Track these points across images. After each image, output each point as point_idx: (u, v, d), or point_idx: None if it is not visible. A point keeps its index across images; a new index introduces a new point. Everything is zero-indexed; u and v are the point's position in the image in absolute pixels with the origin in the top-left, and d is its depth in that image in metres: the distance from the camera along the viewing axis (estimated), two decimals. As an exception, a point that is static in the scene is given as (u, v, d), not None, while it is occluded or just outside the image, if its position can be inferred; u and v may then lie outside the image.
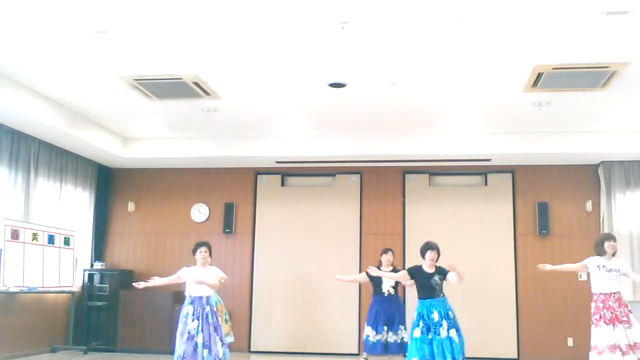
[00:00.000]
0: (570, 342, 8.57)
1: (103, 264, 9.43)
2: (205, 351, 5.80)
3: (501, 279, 8.90)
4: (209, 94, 7.00)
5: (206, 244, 6.21)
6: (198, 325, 5.88)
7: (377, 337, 6.94)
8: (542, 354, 8.56)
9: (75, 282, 8.75)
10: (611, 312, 5.84)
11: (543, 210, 8.91)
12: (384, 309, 7.01)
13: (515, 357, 8.71)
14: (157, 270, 9.49)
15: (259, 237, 9.49)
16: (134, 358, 8.40)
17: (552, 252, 8.85)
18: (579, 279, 8.66)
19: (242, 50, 5.72)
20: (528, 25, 5.06)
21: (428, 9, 4.80)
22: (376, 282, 7.11)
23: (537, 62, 5.90)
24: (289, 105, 7.42)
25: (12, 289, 7.38)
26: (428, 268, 5.92)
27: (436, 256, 5.92)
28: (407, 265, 8.40)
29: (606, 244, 6.08)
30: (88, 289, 9.18)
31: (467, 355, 8.66)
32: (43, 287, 7.96)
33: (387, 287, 7.06)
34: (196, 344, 5.83)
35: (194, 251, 6.18)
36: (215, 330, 5.99)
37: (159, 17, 5.07)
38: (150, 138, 9.12)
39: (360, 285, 8.99)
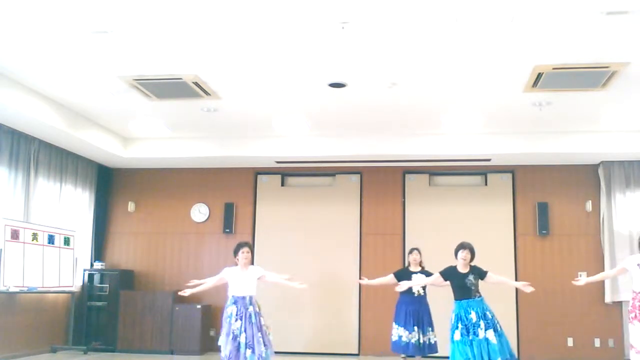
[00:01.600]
0: (570, 342, 8.58)
1: (103, 264, 9.43)
2: (249, 351, 5.79)
3: (501, 279, 8.89)
4: (209, 94, 7.00)
5: (248, 244, 6.23)
6: (241, 325, 5.88)
7: (410, 337, 6.92)
8: (542, 354, 8.57)
9: (75, 282, 8.75)
10: (638, 312, 5.78)
11: (543, 210, 8.91)
12: (413, 310, 6.97)
13: (515, 357, 8.70)
14: (157, 270, 9.55)
15: (259, 237, 9.49)
16: (134, 358, 8.40)
17: (552, 252, 8.86)
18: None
19: (242, 50, 5.72)
20: (528, 25, 5.06)
21: (428, 9, 4.80)
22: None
23: (537, 62, 5.90)
24: (289, 105, 7.42)
25: (12, 289, 7.38)
26: (462, 268, 5.87)
27: (469, 255, 5.84)
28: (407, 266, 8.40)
29: None
30: (88, 289, 9.19)
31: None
32: (43, 287, 7.96)
33: (417, 287, 7.02)
34: (239, 343, 5.83)
35: (235, 252, 6.18)
36: (259, 330, 5.96)
37: (159, 17, 5.07)
38: (150, 138, 9.12)
39: (360, 285, 8.98)
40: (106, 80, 6.64)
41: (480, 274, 5.89)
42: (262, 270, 6.32)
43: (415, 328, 6.93)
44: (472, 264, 5.92)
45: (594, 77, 6.22)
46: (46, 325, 8.38)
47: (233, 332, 5.87)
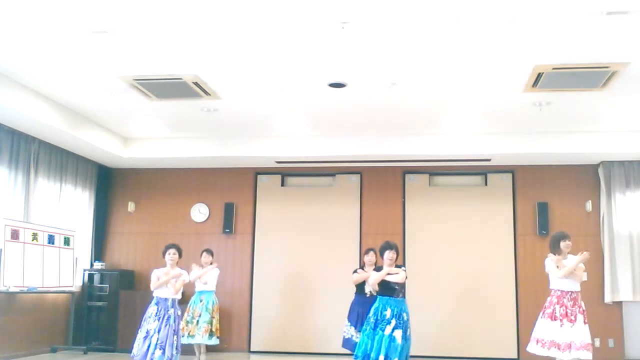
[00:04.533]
0: (570, 342, 8.56)
1: (103, 264, 9.43)
2: (159, 351, 5.85)
3: (501, 279, 8.90)
4: (209, 94, 7.00)
5: (175, 246, 6.29)
6: (157, 326, 5.94)
7: (359, 336, 6.96)
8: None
9: (75, 282, 8.75)
10: (564, 309, 5.92)
11: (543, 210, 8.91)
12: (364, 310, 6.91)
13: (515, 357, 8.71)
14: (157, 270, 9.55)
15: (259, 237, 9.49)
16: (134, 358, 8.40)
17: (552, 252, 8.85)
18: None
19: (242, 50, 5.72)
20: (528, 25, 5.06)
21: (428, 9, 4.80)
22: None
23: (537, 62, 5.90)
24: (289, 105, 7.42)
25: (12, 289, 7.38)
26: (388, 268, 5.89)
27: (395, 256, 5.87)
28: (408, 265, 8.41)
29: (562, 243, 6.09)
30: (88, 289, 9.18)
31: (467, 355, 8.73)
32: (43, 287, 7.96)
33: (368, 287, 7.00)
34: (150, 343, 5.89)
35: (163, 254, 6.26)
36: (175, 333, 6.04)
37: (159, 17, 5.07)
38: (150, 138, 9.12)
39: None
40: (106, 80, 6.64)
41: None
42: (186, 273, 6.38)
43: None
44: (398, 263, 5.93)
45: (594, 77, 6.22)
46: (46, 325, 8.37)
47: (147, 332, 5.93)
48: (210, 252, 7.86)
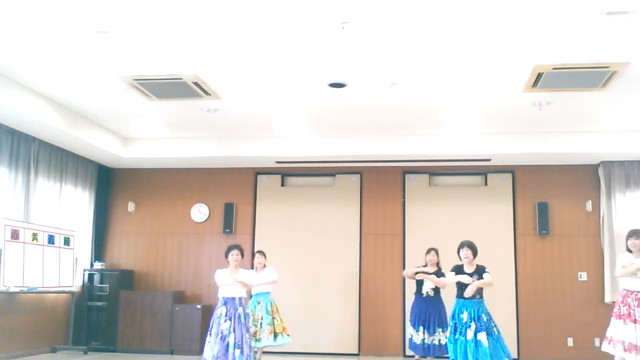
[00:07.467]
0: (570, 342, 8.58)
1: (103, 264, 9.43)
2: (237, 351, 5.90)
3: (501, 279, 8.88)
4: (209, 94, 7.01)
5: (238, 247, 6.35)
6: (230, 326, 5.98)
7: (418, 337, 7.00)
8: (542, 354, 8.57)
9: (75, 282, 8.75)
10: (627, 309, 5.84)
11: (543, 210, 8.91)
12: (422, 310, 7.04)
13: (515, 357, 8.70)
14: (157, 270, 9.57)
15: (259, 237, 9.49)
16: (134, 358, 8.40)
17: (552, 252, 8.86)
18: (579, 279, 8.68)
19: (242, 50, 5.72)
20: (528, 25, 5.07)
21: (428, 9, 4.80)
22: (418, 282, 7.16)
23: (537, 62, 5.90)
24: (289, 105, 7.42)
25: (12, 289, 7.38)
26: (467, 267, 5.84)
27: (470, 252, 5.79)
28: (407, 266, 8.45)
29: (628, 241, 6.03)
30: (88, 289, 9.19)
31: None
32: (43, 287, 7.96)
33: (427, 288, 7.08)
34: (228, 344, 5.93)
35: (226, 254, 6.32)
36: (247, 331, 6.10)
37: (159, 17, 5.07)
38: (150, 138, 9.12)
39: (360, 285, 9.02)
40: (106, 80, 6.65)
41: (481, 274, 5.87)
42: (249, 276, 6.41)
43: (421, 328, 6.98)
44: (478, 263, 5.86)
45: (594, 77, 6.22)
46: (46, 325, 8.37)
47: (222, 333, 5.97)
48: (263, 253, 7.64)
